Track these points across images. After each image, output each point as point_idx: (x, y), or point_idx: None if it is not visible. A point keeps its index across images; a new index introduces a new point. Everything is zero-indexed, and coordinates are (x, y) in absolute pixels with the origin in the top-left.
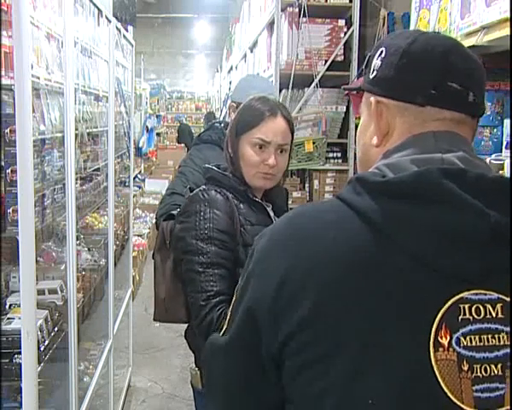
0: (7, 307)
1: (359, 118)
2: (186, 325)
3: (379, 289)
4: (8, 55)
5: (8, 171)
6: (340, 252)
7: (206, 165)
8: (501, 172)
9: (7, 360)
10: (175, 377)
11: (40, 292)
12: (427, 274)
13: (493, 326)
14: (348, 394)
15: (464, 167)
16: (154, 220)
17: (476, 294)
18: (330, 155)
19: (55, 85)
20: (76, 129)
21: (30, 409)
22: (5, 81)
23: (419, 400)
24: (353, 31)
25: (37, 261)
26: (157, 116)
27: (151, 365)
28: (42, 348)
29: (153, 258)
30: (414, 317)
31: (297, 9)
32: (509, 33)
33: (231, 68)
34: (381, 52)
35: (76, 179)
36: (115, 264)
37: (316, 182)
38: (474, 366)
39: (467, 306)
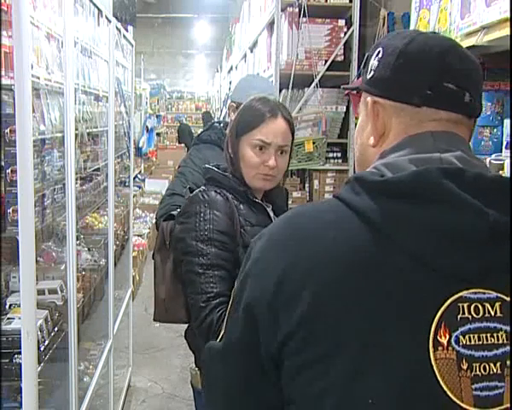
0: (7, 307)
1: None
2: (186, 326)
3: (379, 289)
4: (8, 55)
5: (8, 171)
6: (340, 252)
7: (206, 165)
8: (501, 172)
9: (7, 360)
10: (175, 377)
11: (40, 292)
12: (426, 274)
13: (492, 325)
14: (348, 394)
15: (463, 167)
16: (154, 220)
17: (475, 293)
18: (330, 155)
19: (55, 85)
20: (76, 129)
21: (30, 409)
22: (5, 81)
23: (419, 399)
24: (353, 31)
25: (37, 261)
26: (157, 116)
27: (151, 365)
28: (42, 348)
29: (153, 258)
30: (414, 317)
31: (297, 9)
32: (509, 33)
33: (231, 68)
34: (379, 52)
35: (76, 179)
36: (115, 264)
37: (316, 182)
38: (474, 364)
39: (466, 305)
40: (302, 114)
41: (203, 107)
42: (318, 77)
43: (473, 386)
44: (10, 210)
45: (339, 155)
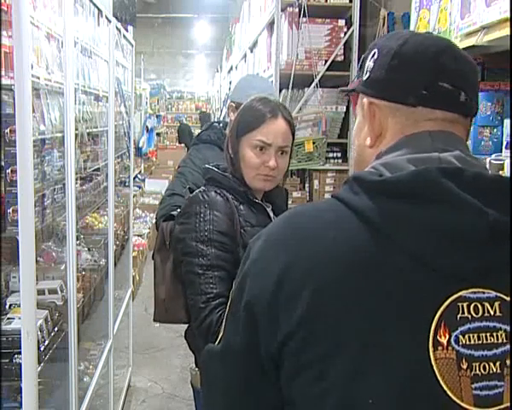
0: (7, 307)
1: None
2: (186, 326)
3: (379, 289)
4: (8, 55)
5: (8, 171)
6: (340, 252)
7: (206, 165)
8: (501, 172)
9: (7, 360)
10: (175, 377)
11: (40, 292)
12: (426, 273)
13: (491, 324)
14: (348, 394)
15: (462, 167)
16: (154, 221)
17: (474, 292)
18: (330, 155)
19: (55, 85)
20: (76, 129)
21: (30, 409)
22: (5, 81)
23: (419, 399)
24: (353, 31)
25: (37, 261)
26: (157, 116)
27: (151, 365)
28: (42, 348)
29: (152, 259)
30: (413, 317)
31: (297, 9)
32: (509, 33)
33: (231, 68)
34: (374, 54)
35: (76, 179)
36: (115, 264)
37: (316, 182)
38: (473, 364)
39: (465, 304)
40: (302, 114)
41: (203, 107)
42: (318, 77)
43: (472, 385)
44: (10, 210)
45: (339, 155)
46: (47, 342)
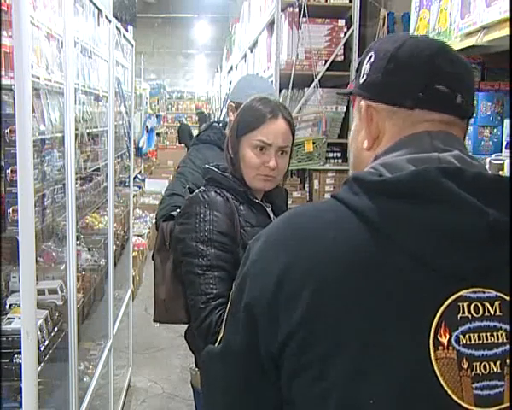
0: (7, 307)
1: None
2: (186, 326)
3: (379, 289)
4: (8, 55)
5: (8, 171)
6: (340, 252)
7: (206, 165)
8: (501, 172)
9: (7, 360)
10: (175, 377)
11: (40, 292)
12: (426, 273)
13: (492, 324)
14: (348, 394)
15: (462, 166)
16: (154, 221)
17: (475, 292)
18: (330, 155)
19: (55, 85)
20: (76, 129)
21: (30, 409)
22: (5, 81)
23: (419, 399)
24: (353, 31)
25: (37, 261)
26: (157, 116)
27: (151, 365)
28: (42, 348)
29: (152, 259)
30: (414, 317)
31: (297, 9)
32: (509, 33)
33: (231, 68)
34: (371, 57)
35: (76, 179)
36: (115, 264)
37: (316, 182)
38: (474, 363)
39: (465, 304)
40: (302, 114)
41: (203, 107)
42: (318, 77)
43: (473, 385)
44: (10, 210)
45: (339, 155)
46: (47, 342)
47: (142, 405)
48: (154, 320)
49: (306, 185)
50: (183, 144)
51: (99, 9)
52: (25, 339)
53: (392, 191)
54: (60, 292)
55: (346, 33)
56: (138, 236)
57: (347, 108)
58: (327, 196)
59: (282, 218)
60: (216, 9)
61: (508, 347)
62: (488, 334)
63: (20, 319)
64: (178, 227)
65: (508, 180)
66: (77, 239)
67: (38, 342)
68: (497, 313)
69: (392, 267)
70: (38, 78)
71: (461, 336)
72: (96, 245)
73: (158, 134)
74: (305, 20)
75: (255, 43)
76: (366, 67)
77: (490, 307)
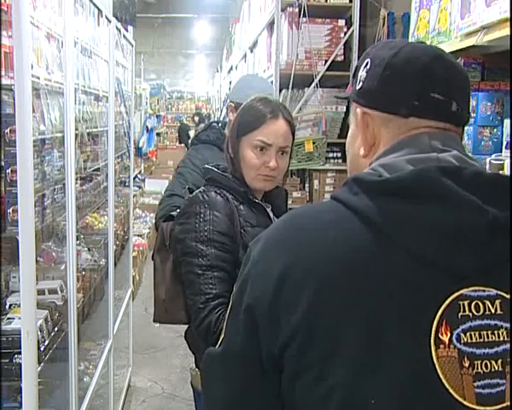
0: (7, 307)
1: None
2: (186, 326)
3: (379, 289)
4: (8, 55)
5: (8, 171)
6: (341, 252)
7: (206, 165)
8: (501, 172)
9: (7, 360)
10: (175, 377)
11: (40, 292)
12: (427, 273)
13: (492, 322)
14: (349, 394)
15: (461, 165)
16: (153, 221)
17: (475, 290)
18: (330, 155)
19: (55, 85)
20: (76, 129)
21: (30, 409)
22: (5, 81)
23: (421, 397)
24: (353, 31)
25: (37, 261)
26: (157, 116)
27: (151, 365)
28: (42, 348)
29: (152, 259)
30: (414, 317)
31: (297, 9)
32: (509, 33)
33: (231, 68)
34: (367, 63)
35: (76, 179)
36: (115, 264)
37: (316, 182)
38: (475, 362)
39: (466, 302)
40: (302, 114)
41: (203, 107)
42: (318, 77)
43: (475, 384)
44: (10, 210)
45: (339, 155)
46: (47, 342)
47: (142, 405)
48: (154, 320)
49: (306, 185)
50: (183, 144)
51: (99, 9)
52: (25, 339)
53: (392, 191)
54: (60, 292)
55: (346, 33)
56: (138, 236)
57: (347, 108)
58: (327, 196)
59: (282, 219)
60: (216, 9)
61: (508, 345)
62: (489, 332)
63: (20, 319)
64: (178, 227)
65: (506, 178)
66: (77, 239)
67: (38, 342)
68: (498, 311)
69: (392, 267)
70: (38, 78)
71: (462, 335)
72: (96, 245)
73: (158, 134)
74: (305, 20)
75: (255, 43)
76: (362, 73)
77: (490, 306)
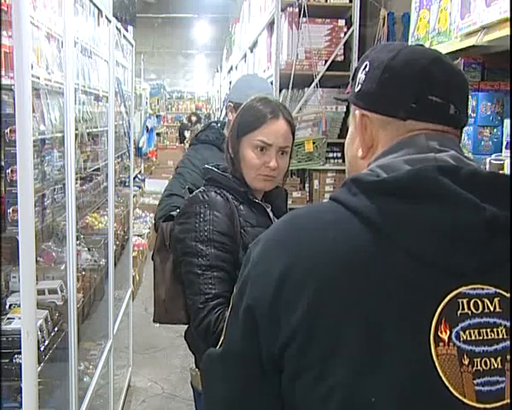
0: (7, 307)
1: None
2: (186, 326)
3: (379, 289)
4: (8, 55)
5: (8, 171)
6: (341, 252)
7: (206, 165)
8: (501, 172)
9: (7, 360)
10: (175, 377)
11: (40, 292)
12: (426, 273)
13: (491, 320)
14: (349, 394)
15: (458, 165)
16: (153, 221)
17: (474, 288)
18: (330, 155)
19: (55, 85)
20: (76, 129)
21: (30, 409)
22: (5, 81)
23: (421, 396)
24: (353, 31)
25: (37, 261)
26: (157, 116)
27: (151, 365)
28: (42, 348)
29: (152, 259)
30: (414, 316)
31: (297, 9)
32: (509, 33)
33: (231, 68)
34: (366, 66)
35: (76, 179)
36: (115, 264)
37: (316, 182)
38: (475, 359)
39: (465, 300)
40: (302, 114)
41: (203, 107)
42: (318, 77)
43: (474, 381)
44: (10, 210)
45: (339, 155)
46: (47, 342)
47: (142, 405)
48: (154, 321)
49: (306, 185)
50: (183, 144)
51: (99, 9)
52: (25, 339)
53: (390, 191)
54: (60, 292)
55: (346, 33)
56: (138, 236)
57: (347, 108)
58: (327, 196)
59: (282, 220)
60: (216, 9)
61: (508, 343)
62: (488, 330)
63: (20, 319)
64: (178, 227)
65: (505, 177)
66: (77, 239)
67: (38, 342)
68: (497, 309)
69: (392, 267)
70: (38, 78)
71: (461, 333)
72: (96, 245)
73: (158, 134)
74: (305, 20)
75: (255, 43)
76: (361, 76)
77: (489, 304)
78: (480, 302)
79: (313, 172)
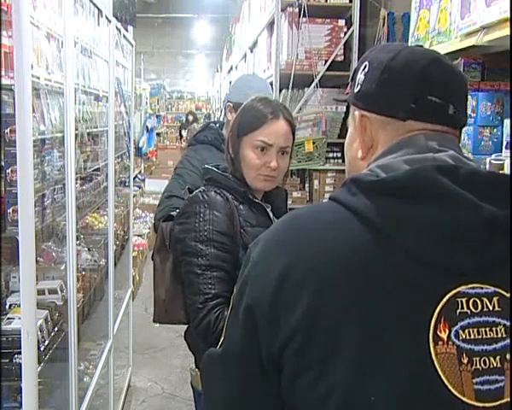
0: (7, 307)
1: None
2: (186, 326)
3: (379, 289)
4: (8, 55)
5: (8, 171)
6: (340, 252)
7: (206, 165)
8: (501, 172)
9: (7, 360)
10: (175, 377)
11: (40, 292)
12: (425, 273)
13: (490, 319)
14: (349, 394)
15: (457, 164)
16: (153, 221)
17: (473, 288)
18: (330, 155)
19: (55, 85)
20: (76, 129)
21: (30, 409)
22: (5, 81)
23: (421, 395)
24: (353, 31)
25: (37, 261)
26: (157, 116)
27: (151, 365)
28: (42, 348)
29: (152, 259)
30: (413, 316)
31: (297, 9)
32: (509, 33)
33: (231, 68)
34: (365, 66)
35: (76, 179)
36: (115, 264)
37: (316, 182)
38: (474, 358)
39: (464, 299)
40: (302, 114)
41: (203, 107)
42: (318, 77)
43: (474, 380)
44: (10, 210)
45: (339, 155)
46: (47, 342)
47: (142, 405)
48: (154, 321)
49: (306, 185)
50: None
51: (99, 9)
52: (25, 339)
53: (389, 190)
54: (60, 292)
55: (346, 33)
56: (138, 236)
57: (347, 108)
58: (327, 196)
59: (282, 220)
60: (216, 9)
61: (507, 342)
62: (487, 329)
63: (20, 319)
64: (178, 227)
65: (504, 176)
66: (77, 239)
67: (38, 342)
68: (496, 308)
69: (392, 267)
70: (38, 78)
71: (460, 332)
72: (96, 245)
73: (158, 134)
74: (305, 20)
75: (255, 43)
76: (360, 76)
77: (488, 303)
78: (479, 301)
79: (313, 172)
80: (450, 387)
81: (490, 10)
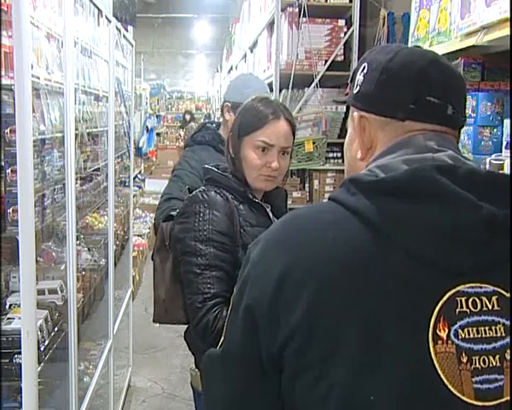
0: (7, 307)
1: None
2: (186, 326)
3: (379, 289)
4: (8, 55)
5: (8, 171)
6: (340, 252)
7: (206, 166)
8: (500, 172)
9: (7, 360)
10: (175, 377)
11: (40, 292)
12: (425, 273)
13: (490, 318)
14: (349, 394)
15: (456, 164)
16: (153, 222)
17: (472, 287)
18: (330, 155)
19: (55, 85)
20: (76, 129)
21: (30, 409)
22: (5, 81)
23: (420, 394)
24: (353, 31)
25: (37, 261)
26: (157, 116)
27: (151, 365)
28: (42, 348)
29: (152, 259)
30: (413, 316)
31: (297, 9)
32: (509, 33)
33: (231, 68)
34: (364, 68)
35: (76, 179)
36: (115, 264)
37: (316, 182)
38: (473, 357)
39: (463, 299)
40: (302, 114)
41: (203, 107)
42: (318, 77)
43: (473, 379)
44: (10, 210)
45: (339, 155)
46: (47, 342)
47: (142, 405)
48: (154, 321)
49: (306, 185)
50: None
51: (99, 9)
52: (25, 339)
53: (388, 190)
54: (60, 292)
55: (346, 33)
56: (138, 236)
57: (347, 108)
58: (327, 196)
59: (282, 220)
60: (216, 9)
61: (507, 341)
62: (487, 328)
63: (20, 319)
64: (178, 226)
65: (503, 176)
66: (77, 239)
67: (38, 342)
68: (495, 307)
69: (392, 267)
70: (38, 78)
71: (459, 331)
72: (96, 245)
73: (158, 134)
74: (305, 20)
75: (255, 43)
76: (359, 78)
77: (487, 302)
78: (478, 301)
79: (313, 172)
80: (449, 386)
81: (490, 10)
